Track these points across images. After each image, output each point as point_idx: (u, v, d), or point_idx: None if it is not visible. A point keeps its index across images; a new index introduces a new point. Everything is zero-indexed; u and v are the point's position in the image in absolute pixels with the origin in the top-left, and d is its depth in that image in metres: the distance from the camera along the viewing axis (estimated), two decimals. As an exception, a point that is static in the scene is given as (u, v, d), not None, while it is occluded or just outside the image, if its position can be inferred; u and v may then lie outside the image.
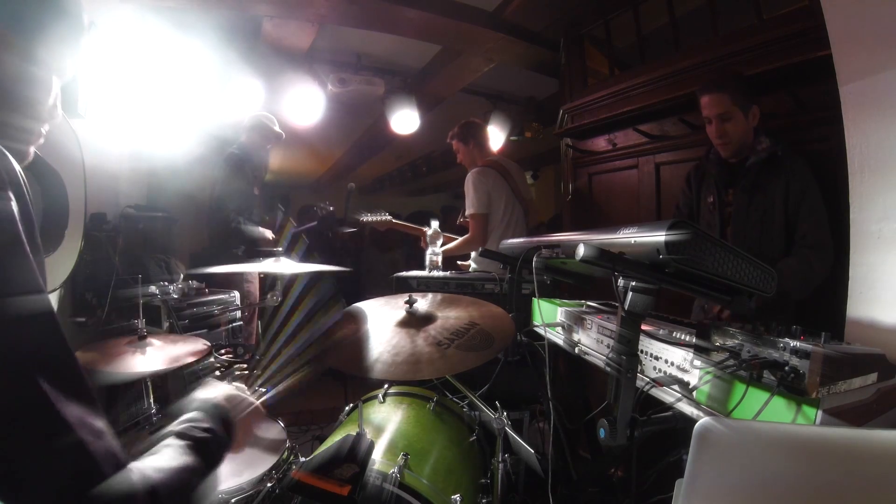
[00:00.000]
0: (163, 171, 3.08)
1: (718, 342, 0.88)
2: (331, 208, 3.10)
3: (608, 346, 1.07)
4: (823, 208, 1.44)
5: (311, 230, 3.15)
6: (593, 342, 1.18)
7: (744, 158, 1.58)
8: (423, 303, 1.39)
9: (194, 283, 2.34)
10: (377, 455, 1.14)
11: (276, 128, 2.92)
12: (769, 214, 1.51)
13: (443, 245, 2.48)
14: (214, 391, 0.79)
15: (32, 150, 0.70)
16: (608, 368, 0.86)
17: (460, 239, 2.66)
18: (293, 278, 1.83)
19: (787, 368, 0.70)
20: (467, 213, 2.61)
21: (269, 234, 2.94)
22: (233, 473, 1.20)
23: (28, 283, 0.50)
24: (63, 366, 0.51)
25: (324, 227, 3.22)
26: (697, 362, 0.84)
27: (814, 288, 1.42)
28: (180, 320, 2.23)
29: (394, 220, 2.83)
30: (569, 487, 1.34)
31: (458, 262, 2.69)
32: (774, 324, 0.85)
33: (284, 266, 1.71)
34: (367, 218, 2.81)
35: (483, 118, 3.52)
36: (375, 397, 1.49)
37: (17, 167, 0.59)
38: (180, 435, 0.63)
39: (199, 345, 1.56)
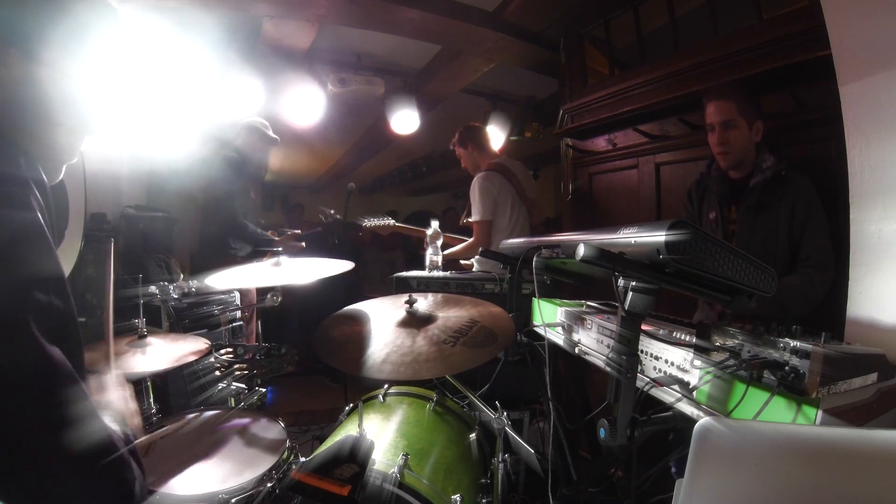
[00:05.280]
0: (163, 171, 3.08)
1: (718, 342, 0.88)
2: (337, 216, 3.10)
3: (608, 346, 1.07)
4: (828, 230, 1.44)
5: (316, 236, 3.15)
6: (593, 342, 1.18)
7: (746, 175, 1.57)
8: (422, 303, 1.39)
9: (194, 284, 2.34)
10: (377, 455, 1.14)
11: (271, 133, 2.92)
12: (773, 234, 1.50)
13: (444, 246, 2.48)
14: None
15: (63, 168, 0.74)
16: (608, 368, 0.86)
17: (464, 244, 2.67)
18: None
19: (787, 368, 0.70)
20: (473, 218, 2.61)
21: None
22: (233, 473, 1.20)
23: (49, 258, 0.60)
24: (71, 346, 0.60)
25: (329, 234, 3.23)
26: (697, 362, 0.84)
27: (814, 305, 1.42)
28: (180, 320, 2.23)
29: (397, 224, 2.83)
30: (569, 487, 1.34)
31: (462, 262, 2.70)
32: (774, 324, 0.85)
33: (286, 272, 1.70)
34: (370, 222, 2.81)
35: (483, 118, 3.53)
36: (375, 397, 1.49)
37: (45, 178, 0.66)
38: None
39: (200, 344, 1.56)
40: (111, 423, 0.66)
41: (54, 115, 0.69)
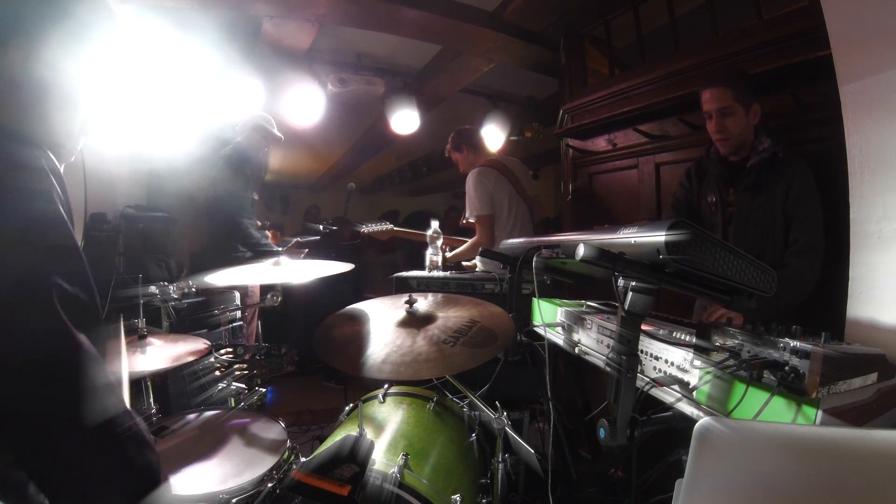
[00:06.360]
0: (163, 171, 3.08)
1: (718, 342, 0.88)
2: (334, 228, 3.12)
3: (608, 346, 1.08)
4: (819, 212, 1.44)
5: (315, 244, 3.18)
6: (593, 342, 1.18)
7: (744, 158, 1.57)
8: (422, 303, 1.39)
9: (194, 284, 2.34)
10: (377, 455, 1.14)
11: (276, 131, 2.91)
12: (770, 215, 1.50)
13: (446, 248, 2.47)
14: None
15: (79, 146, 0.75)
16: (608, 368, 0.86)
17: (467, 243, 2.65)
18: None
19: (787, 368, 0.70)
20: (470, 215, 2.59)
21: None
22: (233, 473, 1.20)
23: (73, 248, 0.62)
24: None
25: (326, 244, 3.26)
26: (697, 362, 0.84)
27: (809, 293, 1.42)
28: (180, 320, 2.23)
29: (395, 228, 2.82)
30: (569, 487, 1.34)
31: (463, 262, 2.69)
32: (774, 324, 0.85)
33: (286, 271, 1.70)
34: (368, 228, 2.80)
35: (482, 118, 3.53)
36: (375, 397, 1.49)
37: (59, 167, 0.67)
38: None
39: (199, 344, 1.56)
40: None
41: (55, 114, 0.69)
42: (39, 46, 0.64)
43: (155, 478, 0.63)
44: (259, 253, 2.68)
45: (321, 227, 3.07)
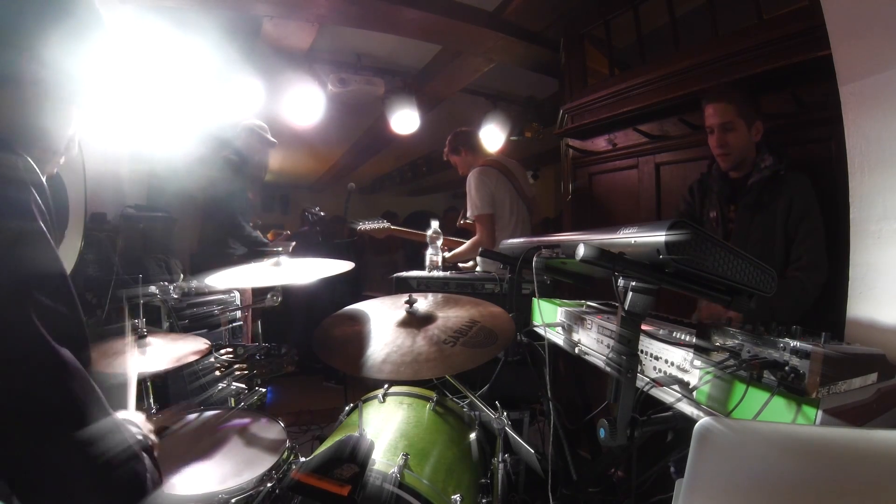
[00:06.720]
0: (163, 171, 3.08)
1: (718, 342, 0.88)
2: (321, 213, 3.12)
3: (608, 346, 1.07)
4: (822, 231, 1.44)
5: (304, 235, 3.19)
6: (593, 342, 1.18)
7: (746, 174, 1.58)
8: (422, 303, 1.39)
9: (194, 283, 2.34)
10: (377, 455, 1.14)
11: (269, 136, 2.95)
12: (770, 233, 1.51)
13: (446, 248, 2.47)
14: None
15: (58, 165, 0.75)
16: (608, 368, 0.86)
17: (468, 242, 2.64)
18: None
19: (787, 368, 0.70)
20: (471, 214, 2.59)
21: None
22: (233, 473, 1.20)
23: (52, 261, 0.59)
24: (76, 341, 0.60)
25: (315, 233, 3.27)
26: (697, 362, 0.84)
27: (807, 306, 1.43)
28: (180, 320, 2.23)
29: (392, 227, 2.82)
30: (569, 487, 1.34)
31: (460, 264, 2.68)
32: (774, 324, 0.85)
33: (285, 271, 1.70)
34: (364, 226, 2.79)
35: (482, 118, 3.53)
36: (375, 397, 1.49)
37: (43, 180, 0.65)
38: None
39: (200, 344, 1.56)
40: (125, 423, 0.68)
41: (48, 115, 0.69)
42: (39, 46, 0.64)
43: (141, 489, 0.62)
44: (257, 252, 2.69)
45: (308, 214, 3.07)
